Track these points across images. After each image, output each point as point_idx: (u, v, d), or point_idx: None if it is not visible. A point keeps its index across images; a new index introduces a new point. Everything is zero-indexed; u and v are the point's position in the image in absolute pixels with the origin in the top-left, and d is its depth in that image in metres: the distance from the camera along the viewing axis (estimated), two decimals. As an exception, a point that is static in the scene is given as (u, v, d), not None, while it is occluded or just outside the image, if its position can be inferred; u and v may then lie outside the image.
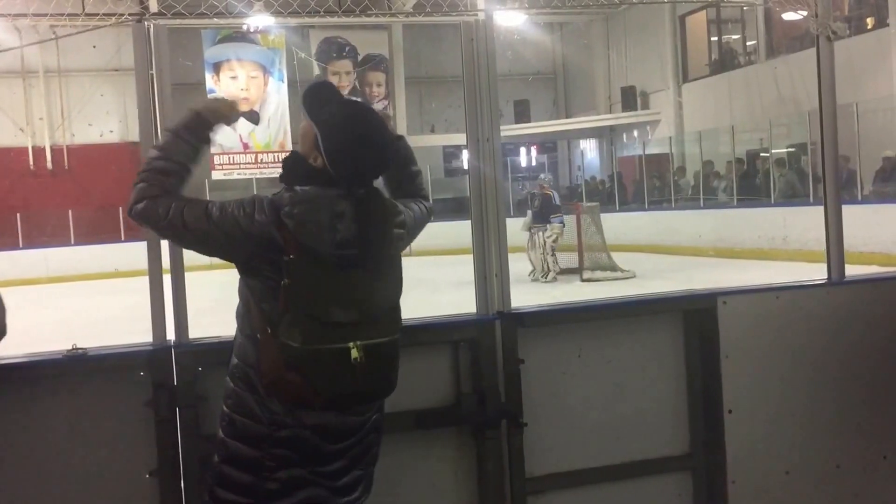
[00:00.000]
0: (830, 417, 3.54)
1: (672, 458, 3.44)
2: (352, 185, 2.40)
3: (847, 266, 3.67)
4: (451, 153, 29.81)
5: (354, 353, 2.35)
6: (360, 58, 25.64)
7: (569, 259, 16.47)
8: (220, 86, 24.07)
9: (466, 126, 3.22)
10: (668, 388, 3.44)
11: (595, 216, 16.78)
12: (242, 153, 24.74)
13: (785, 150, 19.26)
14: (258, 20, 23.10)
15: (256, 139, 24.78)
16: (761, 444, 3.46)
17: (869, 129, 16.65)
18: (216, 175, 24.02)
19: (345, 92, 26.54)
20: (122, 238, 22.41)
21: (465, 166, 29.24)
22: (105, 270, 22.14)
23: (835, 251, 3.64)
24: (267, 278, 2.38)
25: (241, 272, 2.45)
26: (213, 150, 24.18)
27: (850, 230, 3.78)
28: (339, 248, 2.37)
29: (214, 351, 2.90)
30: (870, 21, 18.56)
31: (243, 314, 2.47)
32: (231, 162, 24.60)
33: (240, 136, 24.69)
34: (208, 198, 2.68)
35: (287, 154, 2.52)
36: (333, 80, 24.74)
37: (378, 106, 25.25)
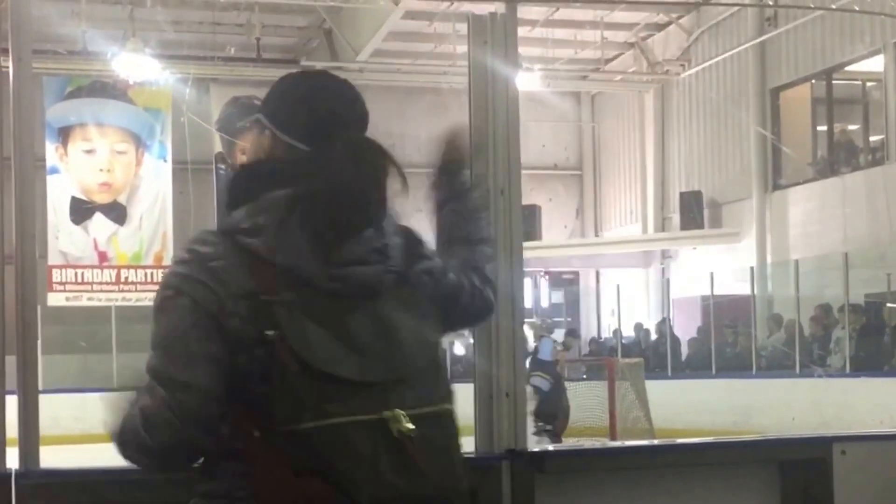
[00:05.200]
0: None
1: None
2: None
3: None
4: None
5: (397, 425, 2.45)
6: (286, 130, 26.15)
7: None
8: (68, 163, 24.37)
9: (472, 171, 3.41)
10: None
11: (637, 379, 17.00)
12: (98, 268, 24.83)
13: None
14: (133, 66, 23.71)
15: (120, 247, 24.95)
16: None
17: None
18: (54, 300, 24.01)
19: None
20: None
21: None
22: None
23: None
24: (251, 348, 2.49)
25: None
26: (51, 260, 24.32)
27: None
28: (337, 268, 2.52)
29: (79, 486, 3.02)
30: None
31: None
32: (79, 280, 24.65)
33: (94, 240, 24.82)
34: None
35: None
36: (244, 160, 25.16)
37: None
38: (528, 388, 16.55)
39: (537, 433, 16.37)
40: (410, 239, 2.70)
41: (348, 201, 2.52)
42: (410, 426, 2.44)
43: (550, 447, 3.65)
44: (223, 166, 25.38)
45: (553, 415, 16.80)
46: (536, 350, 17.07)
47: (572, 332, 24.61)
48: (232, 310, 2.47)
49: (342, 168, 2.52)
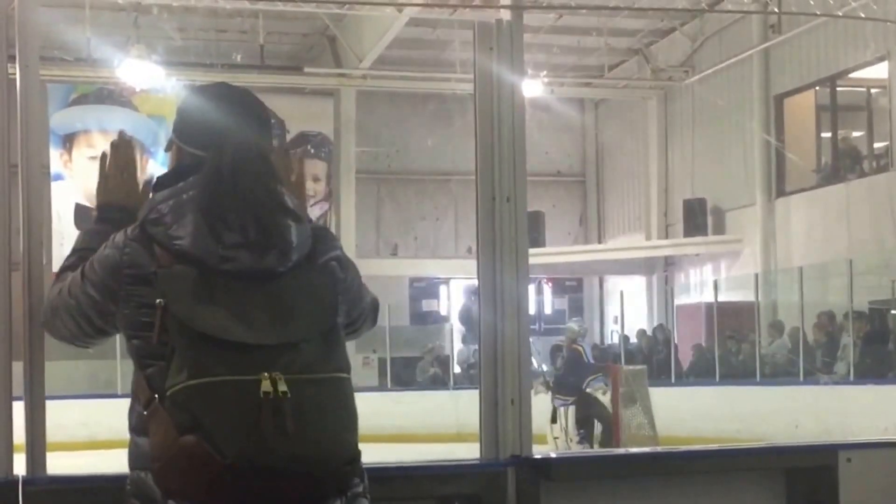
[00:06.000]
0: None
1: None
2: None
3: None
4: (422, 289, 29.96)
5: (266, 386, 2.57)
6: (288, 136, 26.19)
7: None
8: (73, 169, 24.40)
9: (477, 178, 3.46)
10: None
11: (640, 386, 16.98)
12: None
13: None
14: (138, 73, 23.74)
15: (124, 254, 24.89)
16: None
17: None
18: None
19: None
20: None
21: (442, 310, 29.40)
22: None
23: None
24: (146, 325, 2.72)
25: (126, 336, 2.83)
26: (56, 267, 24.17)
27: None
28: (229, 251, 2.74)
29: (86, 492, 3.03)
30: None
31: (132, 403, 2.80)
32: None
33: (98, 248, 24.78)
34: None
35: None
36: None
37: (314, 211, 25.64)
38: (598, 394, 16.63)
39: (580, 441, 16.40)
40: (321, 233, 2.94)
41: (238, 194, 2.77)
42: (283, 388, 2.57)
43: (553, 454, 3.66)
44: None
45: (589, 419, 16.83)
46: (580, 356, 16.89)
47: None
48: (127, 292, 2.76)
49: (231, 169, 2.79)
